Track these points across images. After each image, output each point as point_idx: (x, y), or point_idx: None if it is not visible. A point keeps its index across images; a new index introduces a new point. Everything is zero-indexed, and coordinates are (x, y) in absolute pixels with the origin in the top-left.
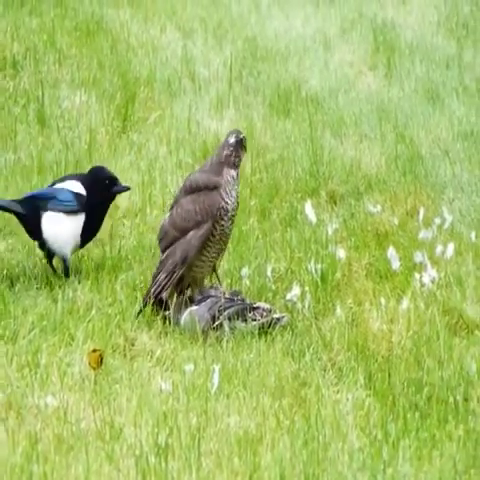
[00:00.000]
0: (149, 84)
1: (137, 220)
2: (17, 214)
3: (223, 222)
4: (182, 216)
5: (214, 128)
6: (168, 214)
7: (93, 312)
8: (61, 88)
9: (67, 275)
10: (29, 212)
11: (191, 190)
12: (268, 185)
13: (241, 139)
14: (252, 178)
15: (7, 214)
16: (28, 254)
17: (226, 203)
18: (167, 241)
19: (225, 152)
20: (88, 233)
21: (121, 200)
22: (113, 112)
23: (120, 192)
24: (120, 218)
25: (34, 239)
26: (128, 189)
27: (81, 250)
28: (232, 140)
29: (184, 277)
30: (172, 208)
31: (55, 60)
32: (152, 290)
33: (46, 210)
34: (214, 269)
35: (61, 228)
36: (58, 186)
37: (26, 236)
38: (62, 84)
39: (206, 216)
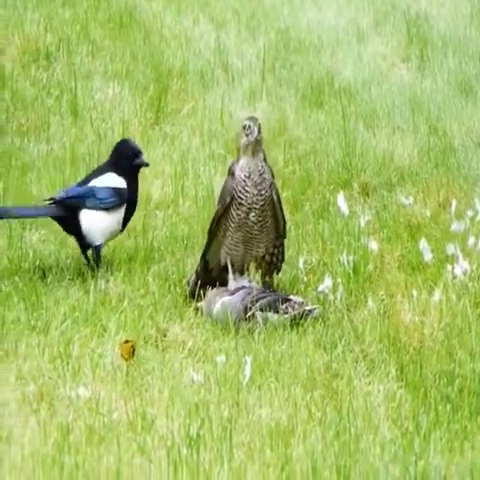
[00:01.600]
0: (182, 76)
1: (170, 211)
2: (55, 218)
3: (239, 211)
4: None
5: None
6: None
7: (125, 303)
8: (94, 80)
9: (98, 265)
10: (67, 213)
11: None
12: (301, 177)
13: (244, 126)
14: (285, 170)
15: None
16: (61, 245)
17: (238, 190)
18: None
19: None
20: (128, 215)
21: (154, 191)
22: (146, 104)
23: (139, 166)
24: (153, 209)
25: (72, 235)
26: (147, 165)
27: (113, 242)
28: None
29: (209, 261)
30: None
31: (88, 52)
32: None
33: (85, 208)
34: (258, 262)
35: (102, 224)
36: (95, 182)
37: (60, 229)
38: (95, 75)
39: (221, 198)
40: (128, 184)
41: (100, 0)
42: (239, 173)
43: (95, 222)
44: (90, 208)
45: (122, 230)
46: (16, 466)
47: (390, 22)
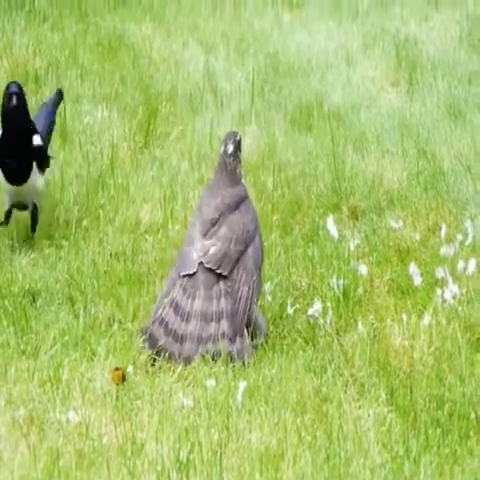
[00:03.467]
0: (171, 99)
1: (159, 235)
2: None
3: None
4: (242, 230)
5: None
6: (212, 241)
7: (115, 327)
8: (83, 103)
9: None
10: None
11: (236, 206)
12: (290, 200)
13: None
14: (274, 193)
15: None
16: (50, 269)
17: None
18: (231, 261)
19: (228, 161)
20: None
21: (143, 215)
22: (135, 127)
23: None
24: (142, 233)
25: None
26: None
27: (102, 265)
28: (231, 148)
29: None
30: (207, 233)
31: (77, 75)
32: (242, 308)
33: None
34: None
35: None
36: None
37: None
38: (84, 99)
39: (256, 221)
40: None
41: (89, 24)
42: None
43: None
44: None
45: None
46: None
47: (379, 46)
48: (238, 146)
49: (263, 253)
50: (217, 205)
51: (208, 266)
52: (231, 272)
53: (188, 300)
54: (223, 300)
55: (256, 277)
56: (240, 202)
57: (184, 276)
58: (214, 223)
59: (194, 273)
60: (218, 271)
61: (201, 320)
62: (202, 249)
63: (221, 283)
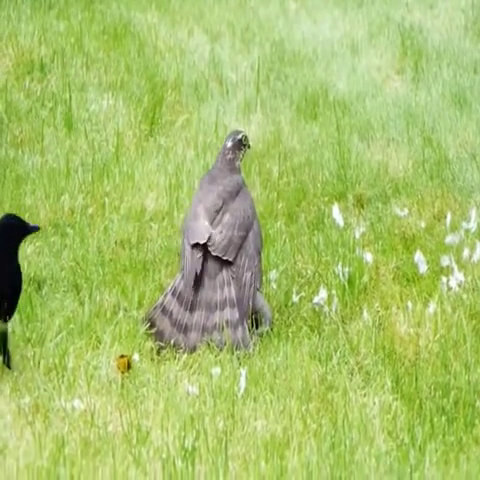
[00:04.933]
0: (176, 87)
1: (164, 223)
2: None
3: None
4: (242, 216)
5: None
6: (218, 229)
7: (120, 315)
8: (88, 91)
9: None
10: None
11: (236, 193)
12: (295, 188)
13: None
14: (279, 182)
15: (35, 216)
16: (55, 257)
17: None
18: (235, 247)
19: (229, 156)
20: None
21: (148, 203)
22: (140, 115)
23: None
24: (147, 221)
25: None
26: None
27: (108, 253)
28: (229, 144)
29: None
30: (213, 222)
31: (83, 63)
32: (246, 294)
33: None
34: None
35: None
36: None
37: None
38: (89, 87)
39: (254, 207)
40: None
41: (94, 12)
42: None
43: None
44: None
45: None
46: (11, 478)
47: (384, 34)
48: (238, 143)
49: (262, 238)
50: (219, 193)
51: (215, 254)
52: (235, 258)
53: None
54: (226, 289)
55: (257, 262)
56: (239, 189)
57: (193, 246)
58: (218, 210)
59: (204, 244)
60: (224, 257)
61: (205, 309)
62: (208, 230)
63: (224, 271)
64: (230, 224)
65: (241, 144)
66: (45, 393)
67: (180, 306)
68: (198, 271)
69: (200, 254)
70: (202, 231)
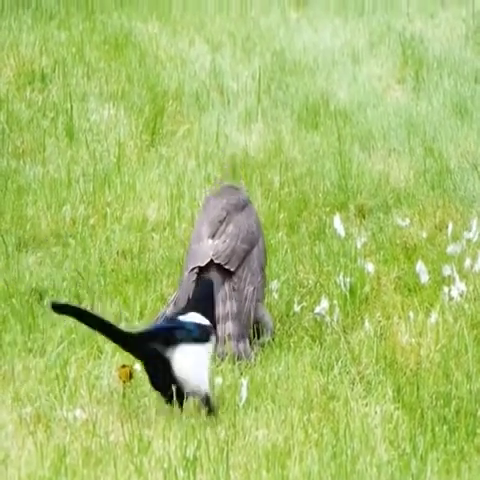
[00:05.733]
0: (177, 97)
1: (166, 233)
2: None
3: None
4: (247, 230)
5: (242, 142)
6: (221, 239)
7: (122, 325)
8: (89, 101)
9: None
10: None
11: (242, 208)
12: (297, 199)
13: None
14: (281, 192)
15: (36, 227)
16: (57, 267)
17: None
18: (238, 257)
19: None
20: None
21: (150, 213)
22: (141, 125)
23: None
24: (149, 231)
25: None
26: None
27: (109, 263)
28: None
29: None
30: (216, 232)
31: (84, 73)
32: (247, 307)
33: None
34: None
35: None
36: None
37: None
38: (90, 97)
39: (260, 225)
40: None
41: (95, 22)
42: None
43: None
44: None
45: None
46: None
47: (385, 43)
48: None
49: (267, 256)
50: (223, 205)
51: (217, 261)
52: (238, 269)
53: None
54: (228, 303)
55: (261, 278)
56: (244, 205)
57: (193, 270)
58: (222, 221)
59: (205, 267)
60: (226, 266)
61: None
62: (211, 247)
63: (226, 285)
64: (234, 234)
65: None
66: (47, 403)
67: None
68: (190, 296)
69: (194, 278)
70: (204, 251)
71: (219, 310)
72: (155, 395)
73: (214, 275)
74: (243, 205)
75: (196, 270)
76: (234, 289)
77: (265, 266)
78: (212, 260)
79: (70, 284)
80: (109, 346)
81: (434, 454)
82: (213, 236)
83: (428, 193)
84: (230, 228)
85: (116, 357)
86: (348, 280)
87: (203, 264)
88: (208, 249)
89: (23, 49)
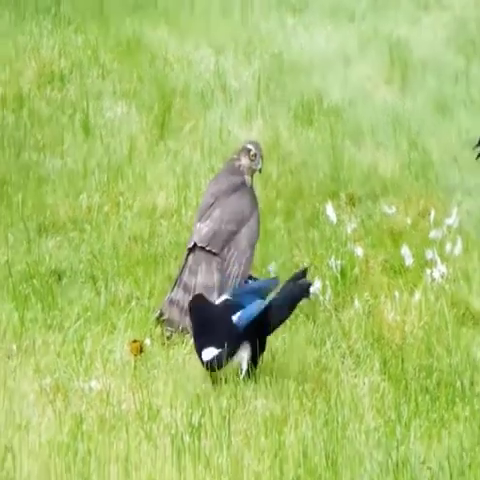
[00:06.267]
0: (184, 96)
1: (173, 220)
2: None
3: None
4: (235, 212)
5: (243, 137)
6: (203, 222)
7: (133, 304)
8: (104, 99)
9: None
10: None
11: (233, 191)
12: (293, 188)
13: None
14: (278, 182)
15: (55, 214)
16: (74, 251)
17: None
18: (222, 239)
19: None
20: None
21: (159, 202)
22: (151, 121)
23: None
24: (158, 218)
25: None
26: None
27: (122, 247)
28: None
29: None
30: (203, 217)
31: (98, 74)
32: (229, 284)
33: None
34: None
35: None
36: None
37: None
38: (105, 96)
39: (254, 206)
40: None
41: (109, 27)
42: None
43: None
44: None
45: None
46: (34, 452)
47: (374, 47)
48: (246, 151)
49: (258, 234)
50: (213, 192)
51: (200, 245)
52: (222, 250)
53: (192, 277)
54: (212, 275)
55: (249, 255)
56: (237, 188)
57: (188, 252)
58: (209, 206)
59: (193, 248)
60: (208, 248)
61: (203, 292)
62: (197, 231)
63: (213, 263)
64: (217, 217)
65: (249, 154)
66: (65, 374)
67: (184, 293)
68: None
69: (185, 256)
70: (193, 235)
71: (214, 280)
72: (163, 368)
73: (201, 255)
74: (234, 188)
75: (186, 252)
76: (218, 269)
77: (255, 242)
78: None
79: (86, 266)
80: (122, 323)
81: (417, 421)
82: (200, 220)
83: (412, 183)
84: (216, 212)
85: (128, 333)
86: (339, 263)
87: (190, 246)
88: (195, 233)
89: (43, 52)
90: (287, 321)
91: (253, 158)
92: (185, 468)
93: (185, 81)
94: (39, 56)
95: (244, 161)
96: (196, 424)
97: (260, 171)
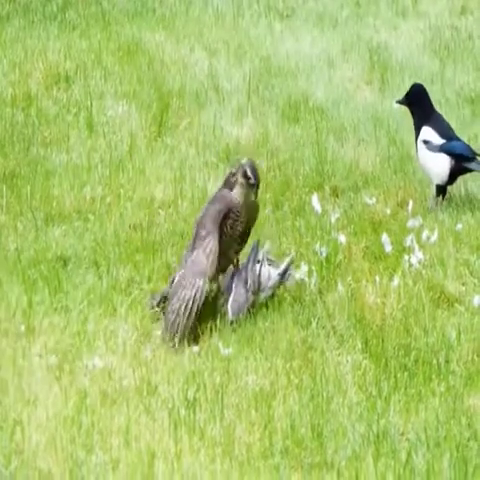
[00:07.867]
0: (180, 96)
1: (170, 210)
2: None
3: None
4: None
5: (235, 133)
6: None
7: (133, 288)
8: (106, 99)
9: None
10: None
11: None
12: (280, 181)
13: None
14: (267, 175)
15: (61, 204)
16: (79, 239)
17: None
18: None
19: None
20: None
21: (157, 193)
22: (150, 119)
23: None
24: (156, 208)
25: None
26: None
27: (123, 235)
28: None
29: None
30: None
31: (101, 76)
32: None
33: None
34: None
35: None
36: None
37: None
38: (107, 96)
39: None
40: None
41: (111, 32)
42: (235, 196)
43: None
44: None
45: None
46: (41, 425)
47: (356, 51)
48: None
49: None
50: (197, 219)
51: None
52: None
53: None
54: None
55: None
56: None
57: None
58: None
59: None
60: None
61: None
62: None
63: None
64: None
65: (246, 173)
66: (70, 353)
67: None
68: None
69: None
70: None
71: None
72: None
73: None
74: (215, 198)
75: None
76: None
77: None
78: None
79: (89, 253)
80: (122, 306)
81: (396, 396)
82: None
83: (391, 176)
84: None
85: (128, 314)
86: (324, 249)
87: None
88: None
89: (50, 55)
90: (276, 303)
91: (248, 180)
92: (181, 439)
93: (181, 82)
94: (46, 59)
95: (240, 180)
96: (191, 399)
97: (256, 196)
